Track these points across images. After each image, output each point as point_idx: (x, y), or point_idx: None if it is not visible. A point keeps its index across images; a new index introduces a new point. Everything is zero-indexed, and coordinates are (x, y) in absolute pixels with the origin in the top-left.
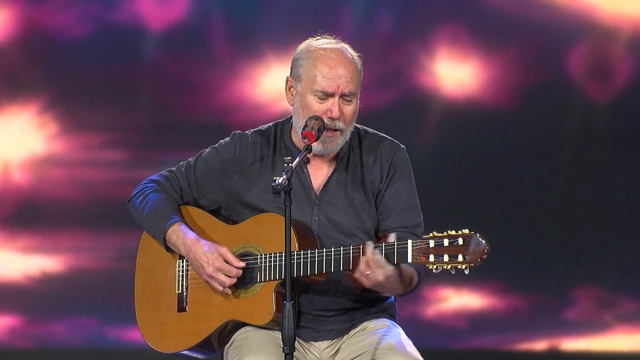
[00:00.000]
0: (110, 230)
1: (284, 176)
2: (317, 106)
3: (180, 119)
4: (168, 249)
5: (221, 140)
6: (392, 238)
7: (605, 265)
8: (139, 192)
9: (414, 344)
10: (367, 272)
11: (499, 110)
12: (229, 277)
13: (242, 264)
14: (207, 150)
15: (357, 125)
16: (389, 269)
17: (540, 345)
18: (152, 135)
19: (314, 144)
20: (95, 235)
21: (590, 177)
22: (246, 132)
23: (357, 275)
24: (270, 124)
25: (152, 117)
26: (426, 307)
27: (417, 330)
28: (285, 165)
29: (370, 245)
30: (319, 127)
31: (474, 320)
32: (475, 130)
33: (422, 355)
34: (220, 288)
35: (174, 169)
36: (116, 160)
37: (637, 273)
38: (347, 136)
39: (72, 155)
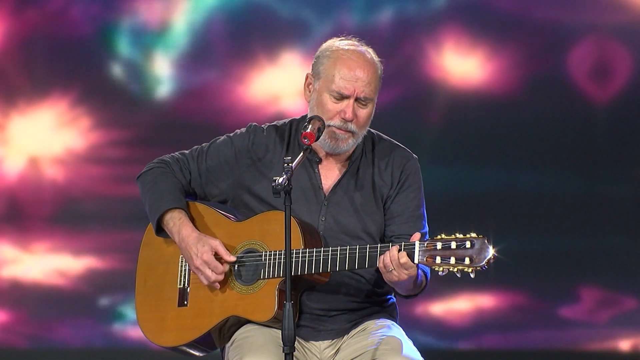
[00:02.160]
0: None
1: (284, 176)
2: (332, 106)
3: (176, 120)
4: (159, 230)
5: (237, 130)
6: (416, 238)
7: (605, 265)
8: (149, 170)
9: (414, 344)
10: (391, 269)
11: (504, 102)
12: (216, 273)
13: (232, 259)
14: (221, 138)
15: (372, 130)
16: (414, 270)
17: (541, 345)
18: (151, 136)
19: (326, 141)
20: (125, 232)
21: (590, 177)
22: (262, 125)
23: (380, 266)
24: (286, 120)
25: (150, 119)
26: (428, 307)
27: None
28: (285, 165)
29: (397, 247)
30: (319, 127)
31: (476, 320)
32: (480, 121)
33: (422, 355)
34: (206, 282)
35: (186, 152)
36: (115, 158)
37: (637, 272)
38: (359, 139)
39: (99, 150)
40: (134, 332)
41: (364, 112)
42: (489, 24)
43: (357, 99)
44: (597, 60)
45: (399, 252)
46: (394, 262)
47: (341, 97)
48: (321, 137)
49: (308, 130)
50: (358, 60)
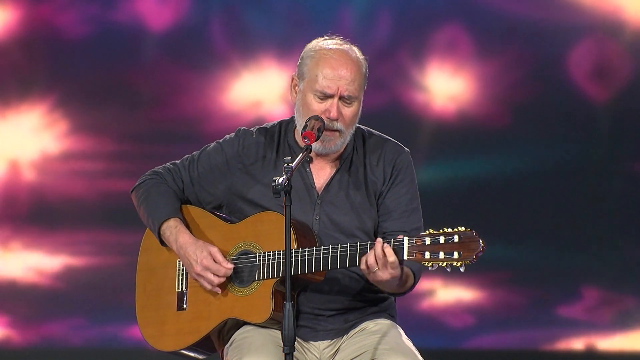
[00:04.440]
0: (116, 229)
1: (284, 176)
2: (317, 106)
3: (159, 124)
4: (162, 242)
5: (226, 136)
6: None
7: (608, 264)
8: (142, 182)
9: (413, 344)
10: (375, 269)
11: (503, 101)
12: (218, 276)
13: (230, 266)
14: (211, 145)
15: (362, 127)
16: (398, 269)
17: (542, 345)
18: (146, 135)
19: (313, 143)
20: (99, 233)
21: (591, 178)
22: (251, 129)
23: (362, 268)
24: (275, 122)
25: (142, 120)
26: (426, 307)
27: (417, 329)
28: (285, 165)
29: (385, 245)
30: (319, 127)
31: (475, 320)
32: (468, 146)
33: (422, 355)
34: (209, 287)
35: (177, 162)
36: (113, 159)
37: (639, 271)
38: (347, 138)
39: (76, 154)
40: (122, 332)
41: (349, 111)
42: (489, 24)
43: (341, 98)
44: (597, 60)
45: (383, 249)
46: (380, 261)
47: (325, 97)
48: None
49: (307, 129)
50: (340, 59)
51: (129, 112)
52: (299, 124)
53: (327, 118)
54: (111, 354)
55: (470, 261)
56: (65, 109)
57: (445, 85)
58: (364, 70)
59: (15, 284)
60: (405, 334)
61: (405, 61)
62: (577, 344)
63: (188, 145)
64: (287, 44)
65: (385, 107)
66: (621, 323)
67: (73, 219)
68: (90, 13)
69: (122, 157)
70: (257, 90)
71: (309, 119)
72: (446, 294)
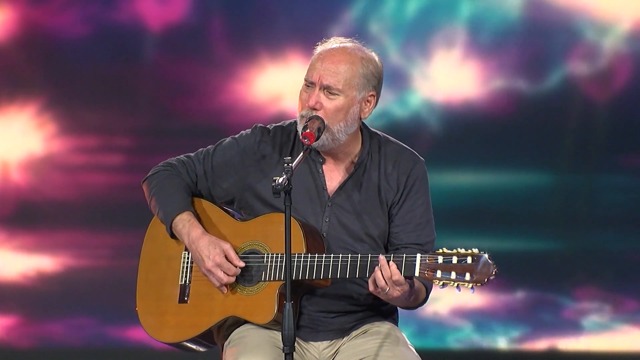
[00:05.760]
0: (108, 229)
1: (284, 176)
2: (304, 95)
3: (176, 120)
4: (172, 235)
5: (242, 131)
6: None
7: (604, 265)
8: (155, 173)
9: (414, 347)
10: (387, 290)
11: (497, 116)
12: (227, 274)
13: (242, 264)
14: (227, 139)
15: (378, 133)
16: (406, 286)
17: (540, 345)
18: (150, 136)
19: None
20: (92, 234)
21: (590, 178)
22: (268, 125)
23: (372, 289)
24: (292, 120)
25: (149, 119)
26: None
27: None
28: (286, 165)
29: (389, 263)
30: (319, 127)
31: (474, 320)
32: (478, 121)
33: (422, 359)
34: (217, 284)
35: (192, 154)
36: (114, 160)
37: (636, 272)
38: (339, 135)
39: (70, 155)
40: (122, 333)
41: (331, 103)
42: (489, 25)
43: (324, 87)
44: (597, 60)
45: (389, 265)
46: (388, 281)
47: (309, 84)
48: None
49: (307, 130)
50: (332, 52)
51: (130, 113)
52: (297, 118)
53: (307, 107)
54: (110, 354)
55: (481, 284)
56: (57, 110)
57: (450, 77)
58: (360, 69)
59: (4, 285)
60: (406, 336)
61: (411, 52)
62: (574, 343)
63: (191, 142)
64: (312, 37)
65: (389, 101)
66: (617, 323)
67: (61, 221)
68: (89, 13)
69: (121, 158)
70: (281, 83)
71: (310, 118)
72: (447, 298)
